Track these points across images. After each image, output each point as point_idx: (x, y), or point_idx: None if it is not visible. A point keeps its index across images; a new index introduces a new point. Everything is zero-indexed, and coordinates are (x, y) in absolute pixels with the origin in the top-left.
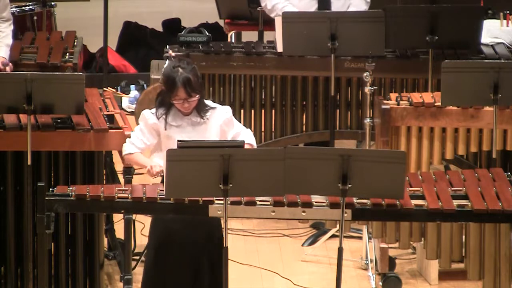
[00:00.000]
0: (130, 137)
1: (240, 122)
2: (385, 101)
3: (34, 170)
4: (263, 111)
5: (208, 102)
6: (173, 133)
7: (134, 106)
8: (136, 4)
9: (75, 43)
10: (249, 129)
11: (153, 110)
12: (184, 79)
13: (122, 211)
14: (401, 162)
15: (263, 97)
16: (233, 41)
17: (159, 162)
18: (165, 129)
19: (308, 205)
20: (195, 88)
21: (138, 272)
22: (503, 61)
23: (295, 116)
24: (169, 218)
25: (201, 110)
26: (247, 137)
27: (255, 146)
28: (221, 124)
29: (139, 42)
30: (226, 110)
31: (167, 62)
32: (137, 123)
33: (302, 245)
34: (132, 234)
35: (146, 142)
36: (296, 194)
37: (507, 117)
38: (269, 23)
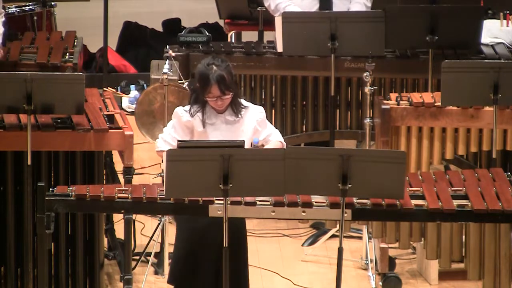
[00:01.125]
0: (162, 133)
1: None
2: (385, 101)
3: (34, 170)
4: None
5: (242, 101)
6: (208, 131)
7: (134, 106)
8: (136, 4)
9: (75, 43)
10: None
11: (187, 107)
12: (218, 77)
13: (122, 211)
14: (401, 162)
15: (263, 97)
16: (233, 41)
17: None
18: (203, 127)
19: (308, 205)
20: (229, 86)
21: (138, 272)
22: (503, 61)
23: (295, 116)
24: (195, 219)
25: (236, 108)
26: (279, 136)
27: (285, 144)
28: (255, 123)
29: (139, 42)
30: (260, 110)
31: (167, 62)
32: (137, 123)
33: (302, 245)
34: (132, 234)
35: (178, 139)
36: (296, 194)
37: (507, 117)
38: (269, 23)
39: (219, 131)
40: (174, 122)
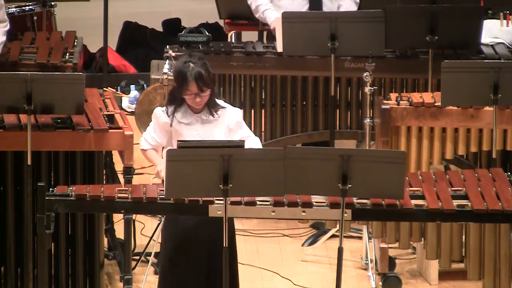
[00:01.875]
0: (145, 131)
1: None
2: (385, 101)
3: (34, 170)
4: (263, 111)
5: (220, 102)
6: (182, 130)
7: (134, 106)
8: (136, 4)
9: (75, 43)
10: (258, 137)
11: (164, 107)
12: (196, 74)
13: (122, 211)
14: (401, 162)
15: (263, 97)
16: (233, 41)
17: None
18: (171, 125)
19: (308, 205)
20: (206, 83)
21: (138, 272)
22: (503, 61)
23: (295, 116)
24: (182, 217)
25: (212, 107)
26: (255, 143)
27: None
28: (229, 124)
29: (139, 42)
30: (237, 112)
31: (167, 62)
32: (137, 123)
33: (302, 245)
34: (132, 234)
35: (157, 139)
36: (296, 194)
37: (507, 117)
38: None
39: (195, 131)
40: (154, 122)
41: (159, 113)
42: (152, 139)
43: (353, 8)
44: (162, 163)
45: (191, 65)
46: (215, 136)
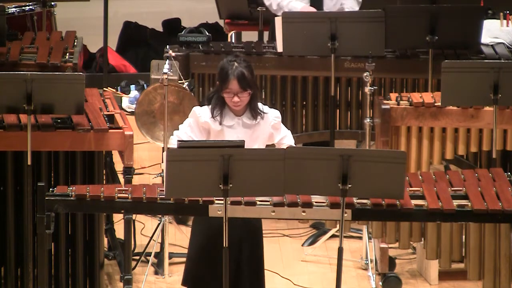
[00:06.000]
0: (178, 129)
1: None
2: (385, 101)
3: (34, 170)
4: None
5: (261, 106)
6: (225, 132)
7: (134, 106)
8: (136, 4)
9: (75, 43)
10: (289, 131)
11: (205, 107)
12: (238, 73)
13: (122, 211)
14: (401, 162)
15: (263, 97)
16: (233, 41)
17: None
18: (220, 127)
19: (308, 205)
20: (248, 83)
21: (138, 272)
22: (503, 61)
23: (295, 116)
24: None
25: (254, 110)
26: (290, 140)
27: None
28: (270, 128)
29: (139, 42)
30: (276, 114)
31: (167, 62)
32: (137, 123)
33: (302, 245)
34: (132, 234)
35: (193, 138)
36: (296, 194)
37: (507, 117)
38: (269, 23)
39: (236, 133)
40: (191, 121)
41: (199, 112)
42: (188, 138)
43: (356, 8)
44: None
45: (235, 64)
46: (256, 140)
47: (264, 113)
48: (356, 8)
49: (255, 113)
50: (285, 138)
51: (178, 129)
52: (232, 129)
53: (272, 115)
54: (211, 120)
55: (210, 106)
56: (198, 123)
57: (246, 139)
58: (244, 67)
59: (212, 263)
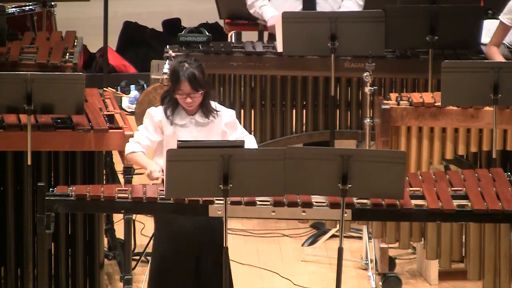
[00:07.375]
0: (133, 137)
1: (240, 123)
2: (385, 101)
3: (34, 170)
4: (263, 111)
5: (214, 104)
6: (177, 132)
7: (134, 106)
8: (136, 4)
9: (75, 43)
10: (252, 135)
11: (159, 107)
12: (189, 74)
13: (122, 211)
14: (401, 162)
15: (263, 97)
16: (233, 41)
17: (160, 163)
18: (172, 127)
19: (308, 205)
20: (199, 84)
21: (138, 272)
22: (503, 61)
23: (295, 116)
24: (173, 221)
25: (206, 109)
26: (250, 143)
27: None
28: (223, 125)
29: (139, 42)
30: (230, 113)
31: (167, 62)
32: (137, 123)
33: (302, 245)
34: (132, 234)
35: (150, 138)
36: (296, 194)
37: (507, 117)
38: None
39: (189, 132)
40: (147, 122)
41: (154, 112)
42: (145, 139)
43: (355, 9)
44: (152, 164)
45: (186, 65)
46: (209, 138)
47: (217, 111)
48: (356, 9)
49: (207, 112)
50: (243, 139)
51: None
52: (185, 128)
53: (226, 114)
54: (164, 119)
55: (163, 106)
56: (153, 123)
57: (200, 137)
58: (195, 68)
59: (174, 275)
